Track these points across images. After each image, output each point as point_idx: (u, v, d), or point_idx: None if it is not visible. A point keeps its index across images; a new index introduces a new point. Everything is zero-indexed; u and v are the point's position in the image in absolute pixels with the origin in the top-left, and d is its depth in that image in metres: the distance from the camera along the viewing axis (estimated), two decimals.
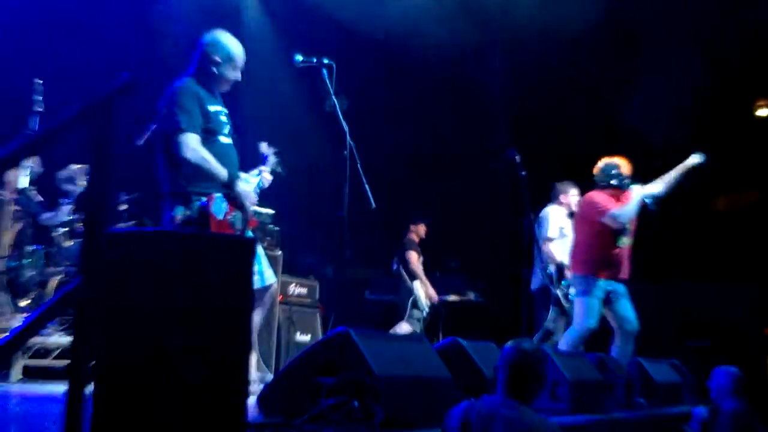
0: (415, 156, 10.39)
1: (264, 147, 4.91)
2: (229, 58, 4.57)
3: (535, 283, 7.53)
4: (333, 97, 4.83)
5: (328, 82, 4.62)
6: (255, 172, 4.79)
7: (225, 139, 4.57)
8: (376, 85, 9.35)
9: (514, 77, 10.08)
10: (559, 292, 7.26)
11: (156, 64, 7.75)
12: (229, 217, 4.38)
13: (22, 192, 6.43)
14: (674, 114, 9.89)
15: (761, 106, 10.65)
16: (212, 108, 4.50)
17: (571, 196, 7.65)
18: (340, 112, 4.71)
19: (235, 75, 4.61)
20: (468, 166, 10.66)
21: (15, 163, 4.07)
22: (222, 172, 4.36)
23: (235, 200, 4.43)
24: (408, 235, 9.15)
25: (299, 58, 4.65)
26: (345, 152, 4.58)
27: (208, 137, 4.45)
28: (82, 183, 6.59)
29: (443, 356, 4.10)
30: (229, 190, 4.39)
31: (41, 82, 6.14)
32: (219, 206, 4.35)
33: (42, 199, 6.75)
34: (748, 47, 9.33)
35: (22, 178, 6.41)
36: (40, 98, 6.10)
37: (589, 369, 5.37)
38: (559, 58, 9.65)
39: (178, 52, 8.35)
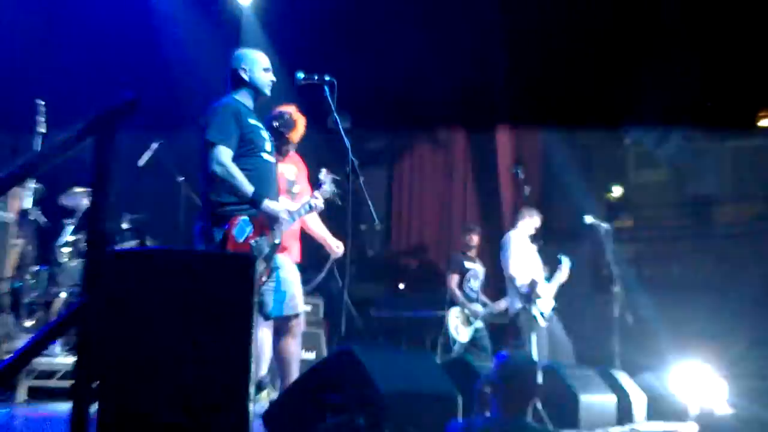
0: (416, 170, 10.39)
1: (323, 173, 4.87)
2: (254, 62, 4.65)
3: (512, 307, 7.57)
4: (335, 113, 4.83)
5: (330, 99, 4.62)
6: (304, 199, 4.79)
7: (267, 157, 4.60)
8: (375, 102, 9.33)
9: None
10: (535, 311, 7.26)
11: (158, 84, 7.78)
12: (252, 241, 4.35)
13: (25, 213, 6.43)
14: (674, 123, 9.92)
15: (764, 117, 10.64)
16: (252, 121, 4.54)
17: (532, 219, 7.67)
18: (342, 129, 4.71)
19: (268, 76, 4.66)
20: (469, 177, 10.64)
21: (18, 182, 4.08)
22: (248, 188, 4.34)
23: (263, 223, 4.40)
24: (457, 248, 8.70)
25: (301, 75, 4.66)
26: (347, 168, 4.57)
27: (249, 151, 4.48)
28: (85, 203, 6.59)
29: (449, 372, 4.08)
30: (254, 208, 4.36)
31: (43, 103, 6.15)
32: (241, 229, 4.33)
33: (45, 219, 6.75)
34: (750, 56, 9.33)
35: (26, 199, 6.41)
36: (43, 119, 6.11)
37: (598, 383, 5.36)
38: (559, 69, 9.66)
39: (178, 71, 8.41)
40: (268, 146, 4.63)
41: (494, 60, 9.59)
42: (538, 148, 10.07)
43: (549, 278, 7.55)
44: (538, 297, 7.29)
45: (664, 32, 9.06)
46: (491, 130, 10.17)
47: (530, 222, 7.68)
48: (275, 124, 5.18)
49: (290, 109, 5.38)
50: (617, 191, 11.51)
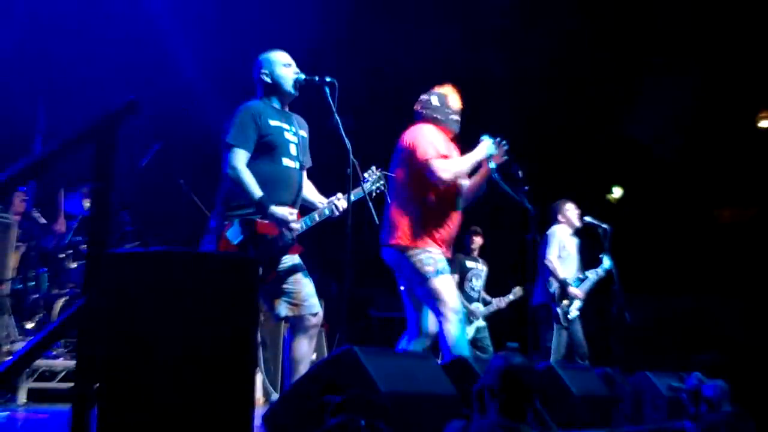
0: None
1: (372, 170, 4.82)
2: (272, 62, 4.65)
3: (536, 298, 7.57)
4: (335, 114, 4.82)
5: (330, 99, 4.61)
6: (327, 201, 4.71)
7: (288, 162, 4.54)
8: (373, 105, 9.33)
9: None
10: (559, 310, 7.29)
11: (159, 87, 7.78)
12: (249, 243, 4.32)
13: (27, 215, 6.44)
14: (676, 125, 9.91)
15: (764, 118, 10.64)
16: (274, 123, 4.52)
17: (569, 212, 7.70)
18: (342, 130, 4.70)
19: (290, 71, 4.65)
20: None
21: (19, 185, 4.09)
22: (255, 193, 4.31)
23: (267, 226, 4.37)
24: (459, 248, 8.58)
25: (302, 76, 4.65)
26: (348, 170, 4.56)
27: (267, 155, 4.46)
28: (86, 205, 6.60)
29: (449, 373, 4.08)
30: (260, 212, 4.33)
31: (44, 104, 6.16)
32: (236, 231, 4.33)
33: (45, 221, 6.76)
34: (750, 58, 9.33)
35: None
36: (42, 121, 6.12)
37: (596, 383, 5.35)
38: (560, 69, 9.66)
39: (178, 71, 8.41)
40: (292, 149, 4.58)
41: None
42: None
43: (581, 279, 7.54)
44: (565, 296, 7.30)
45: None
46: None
47: (571, 215, 7.68)
48: (432, 105, 5.30)
49: (432, 91, 5.43)
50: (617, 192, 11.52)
